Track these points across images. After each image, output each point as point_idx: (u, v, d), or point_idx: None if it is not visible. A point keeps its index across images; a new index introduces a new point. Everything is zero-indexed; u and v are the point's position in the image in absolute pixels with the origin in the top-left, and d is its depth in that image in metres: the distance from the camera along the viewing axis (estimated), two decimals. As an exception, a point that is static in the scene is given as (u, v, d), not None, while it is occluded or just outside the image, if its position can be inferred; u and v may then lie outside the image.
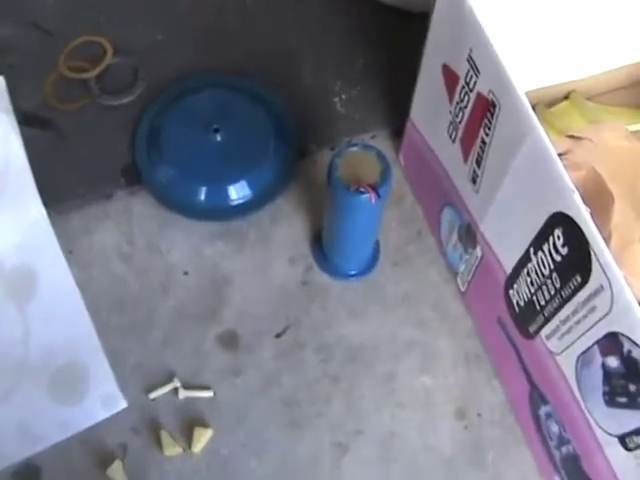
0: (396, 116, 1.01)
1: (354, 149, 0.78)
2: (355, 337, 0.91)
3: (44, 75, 1.06)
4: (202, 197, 0.95)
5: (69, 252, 0.94)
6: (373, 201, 0.75)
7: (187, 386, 0.88)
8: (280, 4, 1.13)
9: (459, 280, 0.91)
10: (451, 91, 0.78)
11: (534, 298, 0.72)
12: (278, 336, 0.90)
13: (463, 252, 0.86)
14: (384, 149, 0.90)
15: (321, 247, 0.92)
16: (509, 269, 0.76)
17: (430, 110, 0.85)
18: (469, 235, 0.83)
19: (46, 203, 0.93)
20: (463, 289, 0.90)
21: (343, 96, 1.04)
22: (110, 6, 1.12)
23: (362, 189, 0.75)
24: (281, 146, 0.97)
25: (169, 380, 0.88)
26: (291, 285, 0.93)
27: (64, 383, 0.89)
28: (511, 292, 0.77)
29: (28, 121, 1.00)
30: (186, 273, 0.92)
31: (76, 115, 1.03)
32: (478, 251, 0.82)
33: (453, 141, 0.80)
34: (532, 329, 0.75)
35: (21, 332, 0.91)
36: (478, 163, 0.75)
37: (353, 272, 0.93)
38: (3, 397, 0.87)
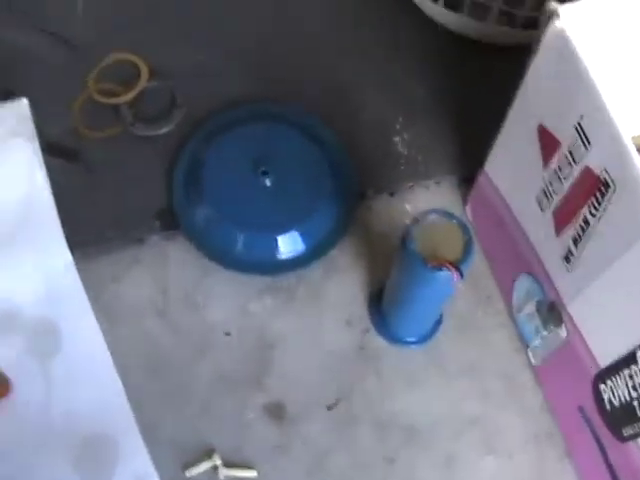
0: (464, 161, 0.96)
1: (434, 217, 0.72)
2: (413, 411, 0.86)
3: (71, 98, 1.00)
4: (246, 247, 0.90)
5: (96, 302, 0.88)
6: (455, 280, 0.69)
7: (228, 464, 0.82)
8: (337, 32, 1.06)
9: (531, 353, 0.86)
10: (547, 156, 0.72)
11: (635, 403, 0.66)
12: (329, 408, 0.85)
13: (541, 327, 0.81)
14: (449, 198, 0.85)
15: (379, 308, 0.87)
16: (603, 363, 0.71)
17: (514, 169, 0.79)
18: (552, 312, 0.78)
19: (71, 246, 0.89)
20: (535, 363, 0.85)
21: (405, 135, 0.98)
22: (147, 22, 1.05)
23: (444, 267, 0.69)
24: (337, 191, 0.91)
25: (208, 456, 0.83)
26: (345, 350, 0.88)
27: (91, 457, 0.84)
28: (602, 387, 0.72)
29: (53, 151, 0.94)
30: (228, 333, 0.87)
31: (106, 145, 0.97)
32: (562, 332, 0.77)
33: (543, 210, 0.74)
34: (626, 433, 0.69)
35: (43, 392, 0.86)
36: (575, 242, 0.69)
37: (413, 338, 0.87)
38: (24, 469, 0.83)
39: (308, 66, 1.03)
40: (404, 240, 0.72)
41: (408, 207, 0.94)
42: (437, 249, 0.72)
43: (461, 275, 0.70)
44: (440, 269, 0.70)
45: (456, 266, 0.70)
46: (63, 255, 0.90)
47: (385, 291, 0.85)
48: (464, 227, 0.72)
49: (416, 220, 0.72)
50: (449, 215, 0.72)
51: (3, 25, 1.04)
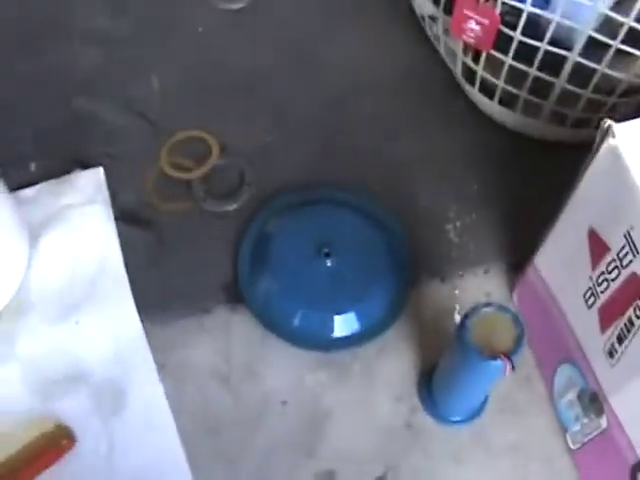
0: (513, 250, 1.03)
1: (488, 310, 0.79)
2: (457, 487, 0.88)
3: (145, 170, 1.08)
4: (304, 323, 0.97)
5: (162, 366, 0.95)
6: (508, 371, 0.76)
7: (279, 529, 0.86)
8: (397, 121, 1.16)
9: (569, 437, 0.91)
10: (596, 259, 0.79)
11: (671, 494, 0.72)
12: (379, 480, 0.89)
13: (581, 415, 0.87)
14: (497, 285, 0.92)
15: (428, 388, 0.93)
16: (642, 454, 0.76)
17: (563, 267, 0.86)
18: (593, 403, 0.84)
19: (140, 312, 0.96)
20: (574, 447, 0.91)
21: (457, 223, 1.05)
22: (219, 100, 1.15)
23: (498, 358, 0.76)
24: (394, 276, 0.98)
25: (260, 519, 0.85)
26: (394, 425, 0.94)
27: (152, 515, 0.86)
28: (640, 476, 0.77)
29: (126, 218, 1.02)
30: (284, 403, 0.93)
31: (178, 218, 1.05)
32: (603, 422, 0.82)
33: (589, 307, 0.81)
34: (661, 521, 0.75)
35: (106, 449, 0.92)
36: (620, 340, 0.76)
37: (459, 418, 0.93)
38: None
39: (371, 153, 1.12)
40: (459, 330, 0.78)
41: (457, 292, 1.00)
42: (490, 339, 0.77)
43: (513, 367, 0.76)
44: (494, 359, 0.76)
45: (509, 357, 0.76)
46: (132, 320, 0.97)
47: (435, 373, 0.91)
48: (517, 320, 0.78)
49: (472, 312, 0.78)
50: (503, 309, 0.79)
51: (87, 99, 1.11)
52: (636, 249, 0.72)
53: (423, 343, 0.99)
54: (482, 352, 0.77)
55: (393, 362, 0.98)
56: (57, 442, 0.91)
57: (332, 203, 1.04)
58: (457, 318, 0.96)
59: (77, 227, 1.02)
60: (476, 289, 0.98)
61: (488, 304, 0.79)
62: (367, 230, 1.01)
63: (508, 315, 0.78)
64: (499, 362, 0.76)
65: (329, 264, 0.96)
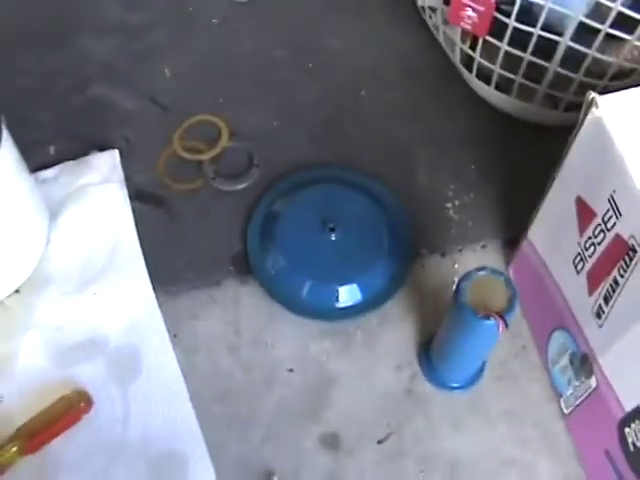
0: (508, 227, 1.08)
1: (482, 273, 0.84)
2: (456, 450, 0.96)
3: (158, 152, 1.14)
4: (310, 295, 1.02)
5: (174, 336, 1.01)
6: (500, 329, 0.82)
7: (286, 486, 0.90)
8: (398, 106, 1.23)
9: (563, 402, 0.96)
10: (583, 225, 0.84)
11: (656, 444, 0.77)
12: (380, 442, 0.96)
13: (573, 378, 0.92)
14: (494, 260, 0.98)
15: (427, 356, 0.98)
16: (629, 408, 0.82)
17: (554, 236, 0.91)
18: (584, 364, 0.89)
19: (154, 284, 1.02)
20: (567, 411, 0.96)
21: (456, 202, 1.11)
22: (229, 87, 1.22)
23: (491, 317, 0.81)
24: (395, 250, 1.04)
25: (267, 478, 0.94)
26: (395, 392, 0.99)
27: (164, 472, 0.95)
28: (627, 430, 0.83)
29: (140, 197, 1.09)
30: (291, 370, 0.99)
31: (189, 196, 1.11)
32: (592, 382, 0.88)
33: (578, 272, 0.86)
34: (648, 472, 0.80)
35: (121, 412, 0.98)
36: (606, 300, 0.81)
37: (457, 384, 0.98)
38: (99, 478, 0.94)
39: (371, 135, 1.19)
40: (456, 293, 0.84)
41: (457, 267, 1.06)
42: (485, 302, 0.83)
43: (506, 325, 0.82)
44: (488, 318, 0.82)
45: (502, 316, 0.82)
46: (146, 291, 1.03)
47: (435, 340, 0.96)
48: (509, 282, 0.84)
49: (467, 275, 0.84)
50: (496, 272, 0.85)
51: (103, 86, 1.18)
52: (619, 211, 0.77)
53: (423, 314, 1.04)
54: (477, 312, 0.82)
55: (394, 332, 1.03)
56: (75, 405, 0.97)
57: (336, 182, 1.10)
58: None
59: (94, 205, 1.07)
60: (474, 264, 1.02)
61: (482, 268, 0.85)
62: (370, 207, 1.06)
63: (501, 278, 0.84)
64: (492, 321, 0.81)
65: (334, 238, 1.02)
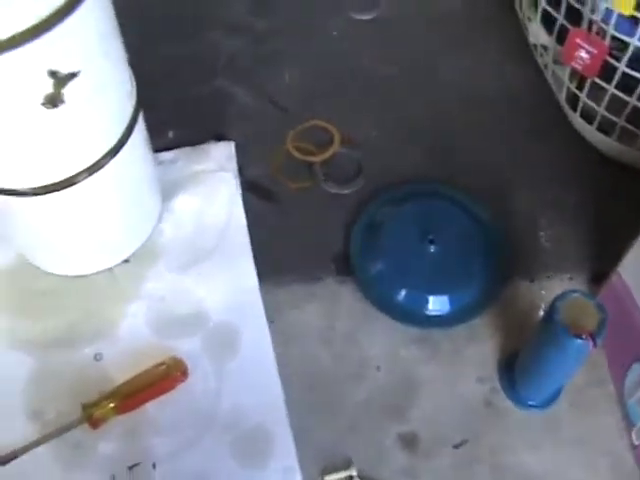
0: (596, 263, 1.15)
1: (576, 295, 0.90)
2: (527, 466, 1.02)
3: (272, 149, 1.22)
4: (404, 300, 1.10)
5: (271, 322, 1.08)
6: (591, 348, 0.88)
7: (362, 477, 0.99)
8: (501, 134, 1.29)
9: (634, 434, 1.02)
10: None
11: None
12: (456, 447, 1.02)
13: (649, 410, 0.98)
14: (581, 291, 1.04)
15: (508, 373, 1.04)
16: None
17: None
18: (661, 398, 0.94)
19: (259, 271, 1.10)
20: (637, 443, 1.01)
21: (549, 231, 1.18)
22: (343, 97, 1.30)
23: (583, 336, 0.88)
24: (488, 269, 1.11)
25: (346, 467, 1.00)
26: (475, 402, 1.05)
27: (249, 447, 1.01)
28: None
29: (252, 189, 1.17)
30: (379, 368, 1.05)
31: (298, 194, 1.19)
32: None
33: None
34: None
35: (214, 386, 1.05)
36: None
37: (534, 403, 1.04)
38: (187, 445, 1.01)
39: (475, 158, 1.26)
40: (550, 311, 0.90)
41: (544, 293, 1.13)
42: (576, 323, 0.89)
43: (595, 345, 0.88)
44: (580, 337, 0.88)
45: (593, 336, 0.88)
46: (250, 276, 1.11)
47: (519, 359, 1.02)
48: (600, 306, 0.90)
49: (562, 295, 0.90)
50: (589, 295, 0.91)
51: (227, 81, 1.27)
52: None
53: (508, 333, 1.10)
54: (569, 330, 0.88)
55: (479, 346, 1.09)
56: (171, 374, 1.04)
57: (438, 197, 1.18)
58: (542, 315, 1.07)
59: (208, 190, 1.16)
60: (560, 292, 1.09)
61: (575, 290, 0.91)
62: (469, 225, 1.14)
63: (593, 301, 0.90)
64: (584, 340, 0.87)
65: (432, 250, 1.09)
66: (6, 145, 0.87)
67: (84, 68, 0.83)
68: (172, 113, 1.21)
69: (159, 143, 1.18)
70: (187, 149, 1.19)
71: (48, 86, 0.82)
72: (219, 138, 1.19)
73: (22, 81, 0.80)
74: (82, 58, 0.83)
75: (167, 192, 1.14)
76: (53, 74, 0.81)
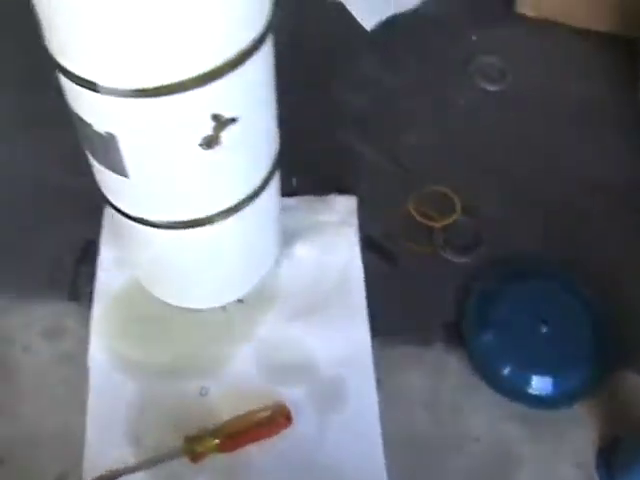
0: None
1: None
2: None
3: (393, 209, 1.25)
4: (507, 375, 1.11)
5: (378, 381, 1.09)
6: None
7: None
8: (616, 221, 1.30)
9: None
10: None
11: None
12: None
13: None
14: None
15: (608, 462, 1.04)
16: None
17: None
18: None
19: (370, 327, 1.11)
20: None
21: (662, 323, 1.17)
22: (467, 164, 1.32)
23: None
24: (596, 356, 1.12)
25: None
26: (572, 486, 1.04)
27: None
28: None
29: (370, 246, 1.19)
30: (478, 440, 1.06)
31: (415, 257, 1.21)
32: None
33: None
34: None
35: (317, 436, 1.08)
36: None
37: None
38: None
39: (591, 242, 1.26)
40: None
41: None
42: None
43: None
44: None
45: None
46: (363, 331, 1.13)
47: (621, 449, 1.03)
48: None
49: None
50: None
51: (354, 136, 1.31)
52: None
53: (611, 422, 1.10)
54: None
55: (581, 431, 1.09)
56: (276, 419, 1.06)
57: (554, 278, 1.19)
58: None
59: (328, 241, 1.19)
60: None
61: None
62: (581, 310, 1.15)
63: None
64: None
65: (544, 330, 1.10)
66: (156, 179, 0.91)
67: (244, 114, 0.85)
68: (297, 161, 1.22)
69: (283, 189, 1.19)
70: (310, 198, 1.21)
71: (208, 128, 0.84)
72: (341, 191, 1.22)
73: (186, 122, 0.84)
74: (244, 105, 0.87)
75: (287, 238, 1.17)
76: (216, 118, 0.84)
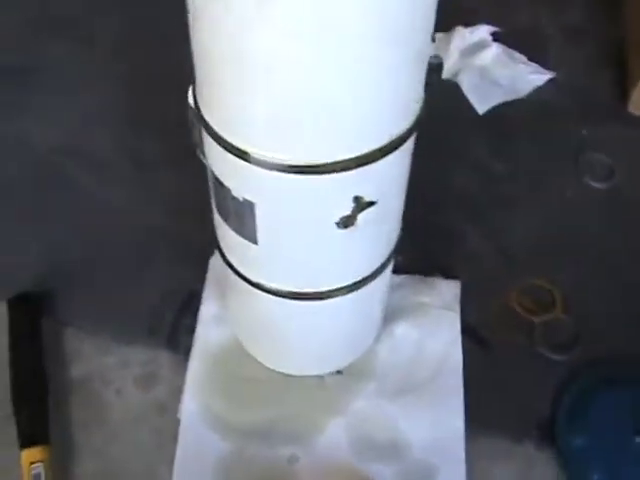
0: None
1: None
2: None
3: (494, 297, 1.26)
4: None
5: (466, 472, 1.09)
6: None
7: None
8: None
9: None
10: None
11: None
12: None
13: None
14: None
15: None
16: None
17: None
18: None
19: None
20: None
21: None
22: (571, 259, 1.33)
23: None
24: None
25: None
26: None
27: None
28: None
29: (468, 332, 1.18)
30: None
31: (513, 348, 1.22)
32: None
33: None
34: None
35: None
36: None
37: None
38: None
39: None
40: None
41: None
42: None
43: None
44: None
45: None
46: (458, 419, 1.13)
47: None
48: None
49: None
50: None
51: (457, 219, 1.34)
52: None
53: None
54: None
55: None
56: (363, 495, 1.03)
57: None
58: None
59: (429, 323, 1.19)
60: None
61: None
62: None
63: None
64: None
65: (637, 441, 1.09)
66: (284, 250, 0.93)
67: (381, 198, 0.86)
68: (403, 237, 1.23)
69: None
70: (415, 278, 1.23)
71: (348, 209, 0.85)
72: (444, 272, 1.22)
73: (329, 200, 0.86)
74: (384, 190, 0.88)
75: (389, 315, 1.17)
76: (357, 200, 0.85)
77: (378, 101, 0.78)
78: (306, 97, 0.74)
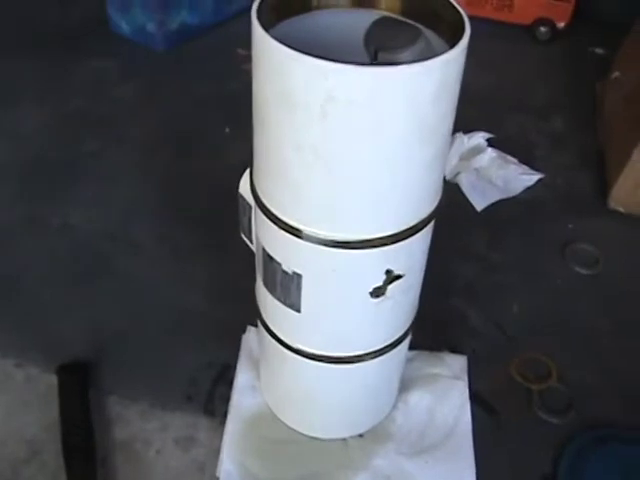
0: None
1: None
2: None
3: (496, 369, 1.41)
4: None
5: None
6: None
7: None
8: None
9: None
10: None
11: None
12: None
13: None
14: None
15: None
16: None
17: None
18: None
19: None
20: None
21: None
22: (566, 334, 1.49)
23: None
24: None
25: None
26: None
27: None
28: None
29: (476, 400, 1.34)
30: None
31: (515, 414, 1.36)
32: None
33: None
34: None
35: None
36: None
37: None
38: None
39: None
40: None
41: None
42: None
43: None
44: None
45: None
46: (469, 474, 1.26)
47: None
48: None
49: None
50: None
51: (462, 301, 1.50)
52: None
53: None
54: None
55: None
56: None
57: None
58: None
59: (440, 391, 1.34)
60: None
61: None
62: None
63: None
64: None
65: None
66: (324, 317, 1.07)
67: (408, 271, 1.03)
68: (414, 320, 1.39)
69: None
70: (425, 353, 1.39)
71: (380, 280, 1.01)
72: (452, 349, 1.38)
73: (366, 272, 1.01)
74: (410, 265, 1.04)
75: (403, 385, 1.32)
76: (388, 272, 1.01)
77: (413, 189, 0.95)
78: (357, 187, 0.91)
